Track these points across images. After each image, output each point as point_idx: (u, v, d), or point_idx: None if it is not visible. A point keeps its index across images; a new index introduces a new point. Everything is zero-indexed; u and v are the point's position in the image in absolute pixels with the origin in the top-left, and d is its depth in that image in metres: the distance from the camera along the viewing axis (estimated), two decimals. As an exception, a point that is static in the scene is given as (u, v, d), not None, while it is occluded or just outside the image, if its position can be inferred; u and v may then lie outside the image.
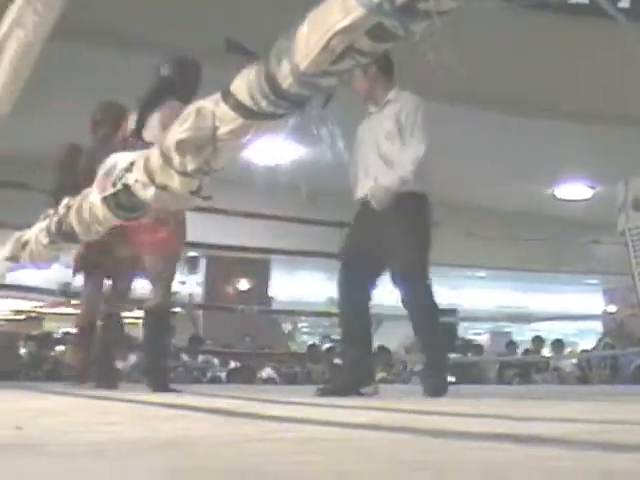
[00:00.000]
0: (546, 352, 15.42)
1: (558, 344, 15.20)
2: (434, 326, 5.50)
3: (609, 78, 11.94)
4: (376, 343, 15.92)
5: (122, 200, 1.92)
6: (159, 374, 5.91)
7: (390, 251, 5.39)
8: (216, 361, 12.89)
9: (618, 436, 2.11)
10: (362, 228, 5.55)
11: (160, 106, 5.67)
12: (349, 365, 5.46)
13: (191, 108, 1.54)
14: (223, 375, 12.44)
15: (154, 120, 5.61)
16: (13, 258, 3.08)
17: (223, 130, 1.50)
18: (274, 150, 14.10)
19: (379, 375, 12.52)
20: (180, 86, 5.78)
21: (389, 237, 5.35)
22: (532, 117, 12.74)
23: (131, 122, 5.85)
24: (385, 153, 5.47)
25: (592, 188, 16.49)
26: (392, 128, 5.43)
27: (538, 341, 15.23)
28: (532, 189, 16.56)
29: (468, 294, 20.92)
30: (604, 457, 1.59)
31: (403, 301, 5.45)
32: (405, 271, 5.40)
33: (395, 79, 5.71)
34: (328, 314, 16.42)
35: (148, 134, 5.54)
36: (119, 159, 1.89)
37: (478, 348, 16.10)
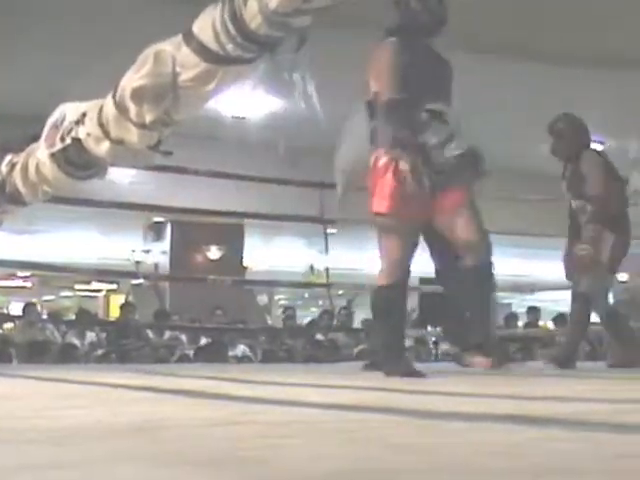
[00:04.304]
0: (550, 325, 15.45)
1: (561, 319, 15.21)
2: None
3: (621, 19, 11.89)
4: (360, 317, 15.96)
5: (72, 156, 1.88)
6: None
7: None
8: (184, 338, 12.89)
9: (631, 417, 2.13)
10: None
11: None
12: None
13: (148, 52, 1.52)
14: (192, 353, 12.44)
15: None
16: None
17: (185, 76, 1.48)
18: (247, 102, 14.03)
19: (358, 348, 12.59)
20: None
21: None
22: (531, 61, 12.69)
23: None
24: None
25: (601, 143, 16.46)
26: None
27: (533, 312, 15.24)
28: (535, 144, 16.52)
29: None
30: (616, 439, 1.61)
31: None
32: None
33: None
34: (308, 285, 16.46)
35: None
36: (68, 109, 1.86)
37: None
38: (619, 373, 5.67)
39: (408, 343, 13.81)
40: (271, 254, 20.66)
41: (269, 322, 18.62)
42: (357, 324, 15.26)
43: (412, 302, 16.37)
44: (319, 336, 13.40)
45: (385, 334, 5.17)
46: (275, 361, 11.77)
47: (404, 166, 4.84)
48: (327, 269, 11.32)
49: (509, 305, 20.83)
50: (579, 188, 6.83)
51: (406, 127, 4.87)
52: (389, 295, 5.15)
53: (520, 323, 15.76)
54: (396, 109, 4.92)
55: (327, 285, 11.84)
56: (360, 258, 20.86)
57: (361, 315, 15.93)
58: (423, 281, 16.33)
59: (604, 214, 6.76)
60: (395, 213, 4.91)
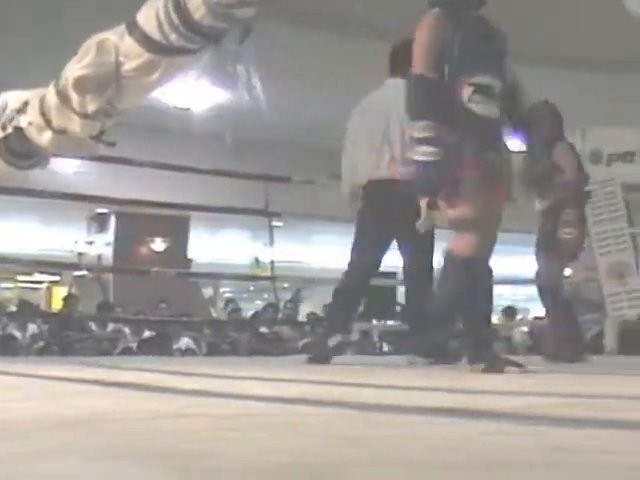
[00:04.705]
0: (494, 319, 15.60)
1: (509, 311, 15.36)
2: None
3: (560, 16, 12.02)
4: (307, 308, 15.97)
5: (14, 145, 1.87)
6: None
7: None
8: (127, 330, 12.82)
9: (570, 410, 2.15)
10: None
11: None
12: None
13: (92, 41, 1.51)
14: (135, 346, 12.39)
15: None
16: None
17: (128, 66, 1.47)
18: (193, 93, 13.99)
19: (303, 341, 12.63)
20: None
21: None
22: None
23: None
24: None
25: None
26: None
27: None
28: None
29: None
30: (555, 432, 1.63)
31: None
32: None
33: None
34: (253, 277, 16.41)
35: None
36: (10, 98, 1.84)
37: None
38: (563, 367, 5.72)
39: (354, 337, 13.92)
40: (216, 246, 20.62)
41: (214, 315, 18.58)
42: (302, 317, 15.30)
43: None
44: (264, 329, 13.41)
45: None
46: (219, 354, 11.76)
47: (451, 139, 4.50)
48: (272, 262, 11.33)
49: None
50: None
51: (426, 110, 4.49)
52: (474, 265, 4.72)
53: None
54: (421, 87, 4.59)
55: (272, 278, 11.85)
56: (306, 251, 20.91)
57: (306, 308, 15.97)
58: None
59: (578, 201, 6.87)
60: (474, 174, 4.49)
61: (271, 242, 10.86)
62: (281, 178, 9.79)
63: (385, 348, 14.00)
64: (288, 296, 16.13)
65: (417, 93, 4.59)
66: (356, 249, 6.32)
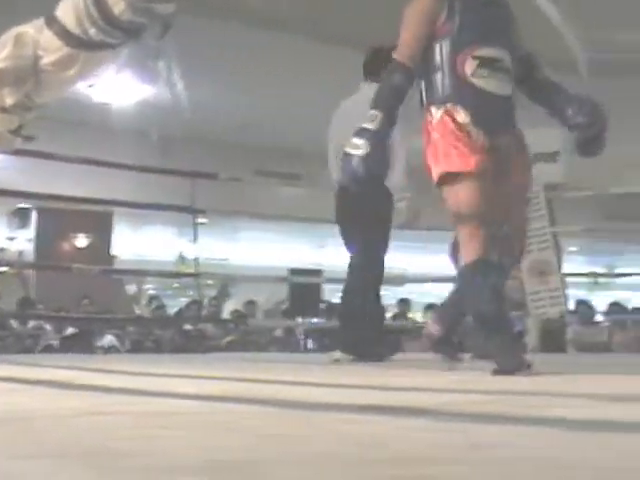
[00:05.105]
0: (418, 317, 15.70)
1: (430, 308, 15.47)
2: None
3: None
4: (230, 306, 15.94)
5: None
6: None
7: None
8: (49, 327, 12.66)
9: (486, 407, 2.19)
10: None
11: None
12: None
13: (9, 34, 1.49)
14: (57, 343, 12.24)
15: None
16: None
17: (46, 60, 1.46)
18: (119, 88, 13.88)
19: (227, 338, 12.62)
20: None
21: None
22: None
23: None
24: None
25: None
26: None
27: (404, 304, 15.49)
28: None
29: (333, 253, 21.07)
30: (471, 429, 1.65)
31: None
32: None
33: None
34: (177, 274, 16.33)
35: None
36: None
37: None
38: (490, 365, 5.77)
39: (278, 333, 13.94)
40: (141, 243, 20.47)
41: (137, 312, 18.45)
42: (226, 315, 15.25)
43: (282, 293, 16.52)
44: (188, 326, 13.34)
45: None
46: (143, 351, 11.68)
47: (464, 118, 4.12)
48: (196, 259, 11.28)
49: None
50: None
51: (384, 100, 4.14)
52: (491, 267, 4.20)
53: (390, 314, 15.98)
54: (394, 77, 4.20)
55: (196, 275, 11.81)
56: (231, 248, 20.85)
57: (230, 306, 15.94)
58: (294, 272, 16.49)
59: None
60: (482, 169, 4.08)
61: (195, 239, 10.81)
62: (207, 175, 9.75)
63: (310, 345, 14.03)
64: (213, 293, 16.08)
65: (387, 81, 4.26)
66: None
